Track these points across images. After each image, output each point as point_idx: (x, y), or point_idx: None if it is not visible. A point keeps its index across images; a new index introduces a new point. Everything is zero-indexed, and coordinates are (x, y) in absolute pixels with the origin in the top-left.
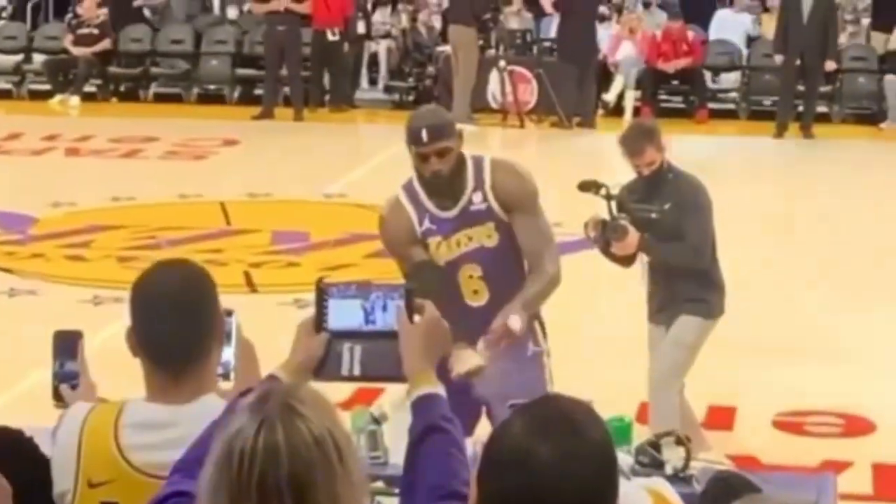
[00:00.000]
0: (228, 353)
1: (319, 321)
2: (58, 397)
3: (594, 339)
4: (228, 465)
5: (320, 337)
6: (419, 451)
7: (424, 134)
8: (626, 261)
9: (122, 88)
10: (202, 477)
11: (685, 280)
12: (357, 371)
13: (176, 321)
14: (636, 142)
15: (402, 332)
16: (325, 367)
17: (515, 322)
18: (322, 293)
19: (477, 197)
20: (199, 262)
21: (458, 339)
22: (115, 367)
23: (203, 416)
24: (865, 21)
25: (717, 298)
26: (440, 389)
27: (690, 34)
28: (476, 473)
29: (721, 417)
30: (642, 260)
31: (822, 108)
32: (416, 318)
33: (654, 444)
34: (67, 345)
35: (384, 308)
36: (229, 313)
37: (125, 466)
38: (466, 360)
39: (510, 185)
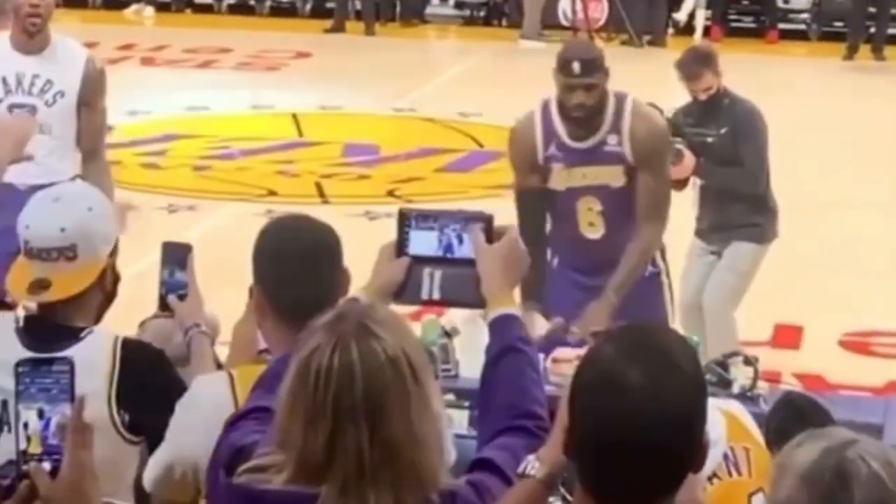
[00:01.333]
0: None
1: (401, 246)
2: (163, 306)
3: None
4: (304, 382)
5: (401, 261)
6: (495, 371)
7: (577, 66)
8: (681, 184)
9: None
10: (279, 393)
11: (739, 204)
12: (437, 295)
13: (310, 283)
14: (693, 66)
15: (480, 254)
16: (406, 291)
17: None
18: (404, 218)
19: (612, 139)
20: (319, 220)
21: (567, 266)
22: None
23: None
24: None
25: (771, 223)
26: (517, 311)
27: None
28: (568, 395)
29: (788, 336)
30: (695, 184)
31: (893, 30)
32: (496, 242)
33: (722, 364)
34: (177, 255)
35: (464, 235)
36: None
37: None
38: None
39: (647, 139)
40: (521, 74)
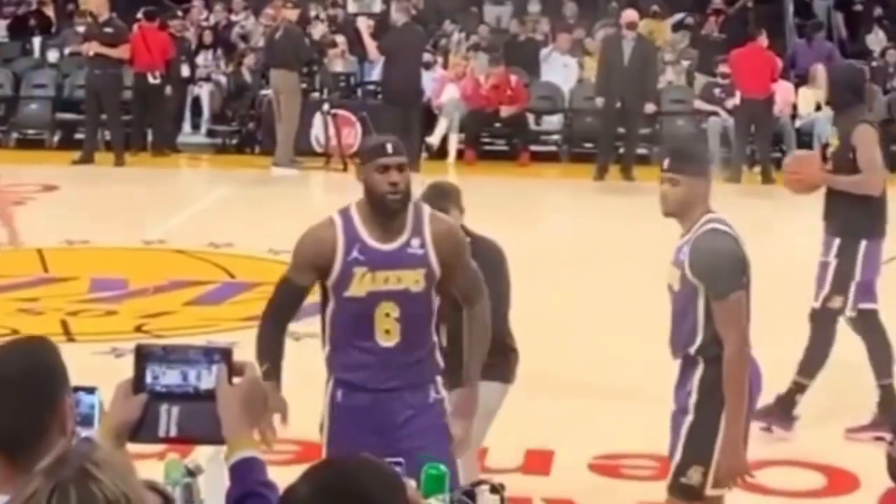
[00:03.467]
0: (91, 433)
1: (138, 382)
2: None
3: None
4: None
5: (138, 398)
6: None
7: (389, 146)
8: None
9: None
10: None
11: None
12: (174, 432)
13: (10, 413)
14: (436, 203)
15: (220, 394)
16: (143, 429)
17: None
18: (141, 354)
19: (416, 241)
20: (52, 344)
21: (358, 375)
22: None
23: None
24: (686, 63)
25: (514, 362)
26: (258, 453)
27: (513, 78)
28: None
29: (538, 461)
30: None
31: (642, 150)
32: (236, 379)
33: (469, 493)
34: None
35: (203, 369)
36: (91, 391)
37: None
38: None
39: (449, 240)
40: (275, 202)
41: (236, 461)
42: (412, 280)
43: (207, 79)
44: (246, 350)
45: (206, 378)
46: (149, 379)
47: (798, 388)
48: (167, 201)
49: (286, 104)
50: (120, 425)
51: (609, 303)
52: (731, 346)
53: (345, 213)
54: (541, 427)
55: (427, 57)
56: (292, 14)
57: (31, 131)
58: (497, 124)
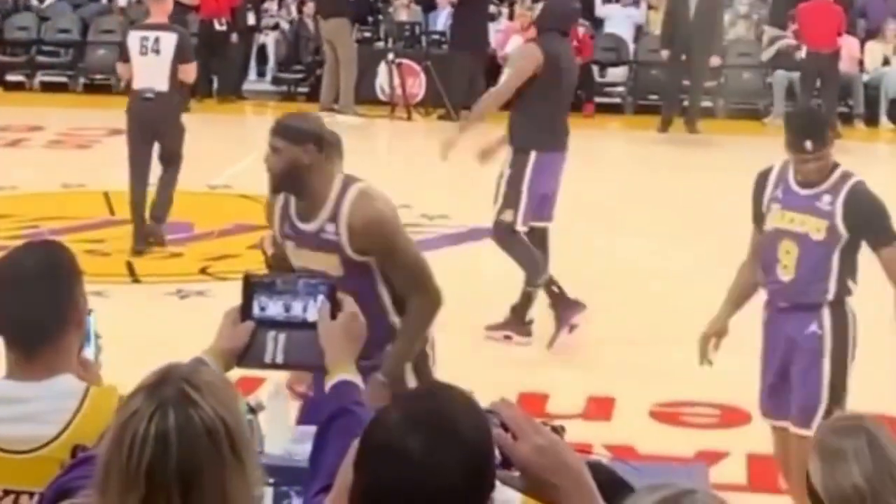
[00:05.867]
0: (87, 353)
1: (245, 310)
2: None
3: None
4: (119, 449)
5: (245, 325)
6: (328, 431)
7: (273, 125)
8: None
9: (7, 77)
10: (99, 455)
11: None
12: (280, 359)
13: (30, 300)
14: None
15: (322, 327)
16: (250, 354)
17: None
18: (249, 284)
19: (330, 227)
20: (66, 245)
21: None
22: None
23: (55, 393)
24: (755, 16)
25: None
26: (358, 379)
27: (580, 30)
28: (354, 459)
29: (599, 408)
30: None
31: (706, 103)
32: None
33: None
34: None
35: (309, 301)
36: (87, 313)
37: None
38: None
39: (363, 230)
40: None
41: (336, 382)
42: (327, 264)
43: (274, 27)
44: None
45: (311, 310)
46: (255, 308)
47: (528, 297)
48: (232, 147)
49: (342, 52)
50: (227, 350)
51: (672, 252)
52: None
53: None
54: (603, 374)
55: (492, 9)
56: None
57: (98, 76)
58: None
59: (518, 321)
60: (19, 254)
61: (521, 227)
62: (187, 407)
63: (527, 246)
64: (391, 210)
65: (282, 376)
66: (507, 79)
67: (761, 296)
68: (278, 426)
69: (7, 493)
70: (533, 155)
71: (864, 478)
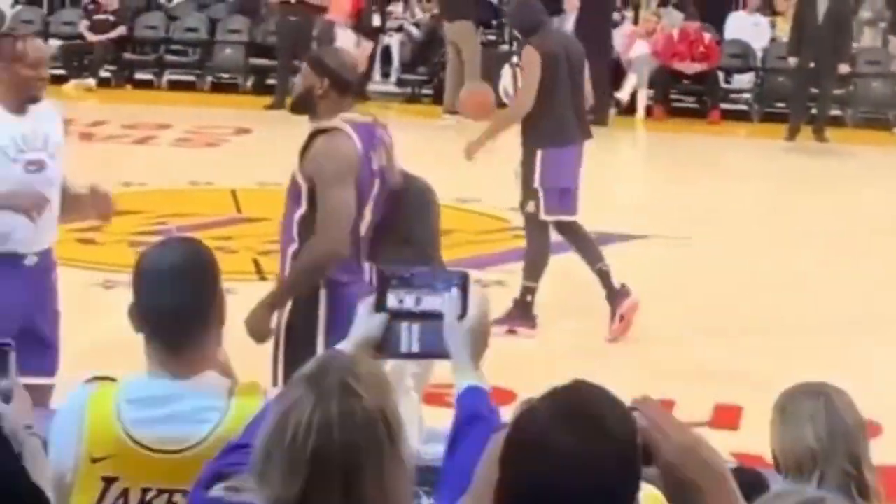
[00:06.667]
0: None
1: (380, 302)
2: None
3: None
4: (282, 435)
5: (380, 316)
6: (461, 437)
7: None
8: None
9: (136, 75)
10: (256, 445)
11: None
12: (416, 348)
13: (176, 294)
14: None
15: (448, 323)
16: (386, 345)
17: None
18: (384, 278)
19: (298, 159)
20: (204, 243)
21: None
22: (125, 352)
23: (204, 391)
24: (882, 24)
25: None
26: (482, 382)
27: (706, 35)
28: (500, 455)
29: (727, 416)
30: None
31: (835, 112)
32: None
33: None
34: None
35: (441, 292)
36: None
37: (126, 441)
38: None
39: (311, 160)
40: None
41: (465, 389)
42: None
43: (399, 29)
44: None
45: (444, 300)
46: (390, 300)
47: (528, 291)
48: None
49: (466, 54)
50: (364, 341)
51: (807, 260)
52: None
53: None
54: (731, 382)
55: (616, 14)
56: None
57: (225, 75)
58: (687, 81)
59: (523, 314)
60: (163, 250)
61: (545, 218)
62: (349, 397)
63: (546, 244)
64: (335, 158)
65: (409, 376)
66: (525, 89)
67: None
68: (407, 426)
69: (161, 492)
70: (539, 153)
71: (816, 439)
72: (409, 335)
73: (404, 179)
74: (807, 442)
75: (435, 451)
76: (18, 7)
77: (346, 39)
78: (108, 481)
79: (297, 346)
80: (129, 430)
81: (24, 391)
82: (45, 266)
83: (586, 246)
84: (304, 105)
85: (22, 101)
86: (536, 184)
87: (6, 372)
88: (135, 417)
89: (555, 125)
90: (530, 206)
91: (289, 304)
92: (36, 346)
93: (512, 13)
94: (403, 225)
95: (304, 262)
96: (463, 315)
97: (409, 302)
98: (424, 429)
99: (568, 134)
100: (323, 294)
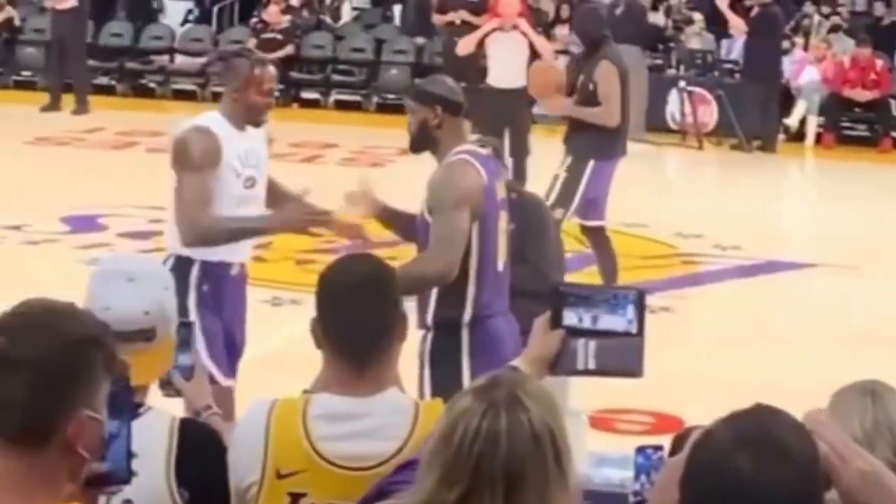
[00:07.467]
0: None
1: (556, 319)
2: (163, 384)
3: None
4: (448, 442)
5: (556, 333)
6: None
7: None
8: None
9: (302, 94)
10: (423, 449)
11: None
12: (592, 365)
13: (363, 313)
14: None
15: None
16: (562, 361)
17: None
18: (559, 294)
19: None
20: (382, 260)
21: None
22: (292, 367)
23: (389, 409)
24: None
25: None
26: None
27: (878, 62)
28: (680, 478)
29: None
30: None
31: None
32: None
33: None
34: (181, 336)
35: (616, 310)
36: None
37: (315, 457)
38: None
39: (430, 187)
40: (628, 177)
41: None
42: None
43: (564, 51)
44: None
45: (618, 318)
46: (567, 317)
47: None
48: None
49: (633, 79)
50: (540, 358)
51: None
52: None
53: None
54: None
55: (786, 43)
56: None
57: (390, 96)
58: (858, 109)
59: None
60: (348, 265)
61: (577, 221)
62: (518, 410)
63: (612, 249)
64: (454, 185)
65: (576, 399)
66: (611, 102)
67: None
68: (575, 449)
69: None
70: (591, 164)
71: (862, 430)
72: (586, 352)
73: (517, 194)
74: (851, 432)
75: (605, 477)
76: (189, 25)
77: (517, 44)
78: (295, 497)
79: (442, 368)
80: (317, 445)
81: (205, 372)
82: (242, 276)
83: (606, 256)
84: (422, 141)
85: (247, 122)
86: (578, 193)
87: (189, 348)
88: (323, 434)
89: (611, 138)
90: (557, 213)
91: (431, 329)
92: (229, 348)
93: (580, 22)
94: (514, 242)
95: (412, 273)
96: (639, 333)
97: (587, 320)
98: (594, 454)
99: (618, 146)
100: (465, 322)
